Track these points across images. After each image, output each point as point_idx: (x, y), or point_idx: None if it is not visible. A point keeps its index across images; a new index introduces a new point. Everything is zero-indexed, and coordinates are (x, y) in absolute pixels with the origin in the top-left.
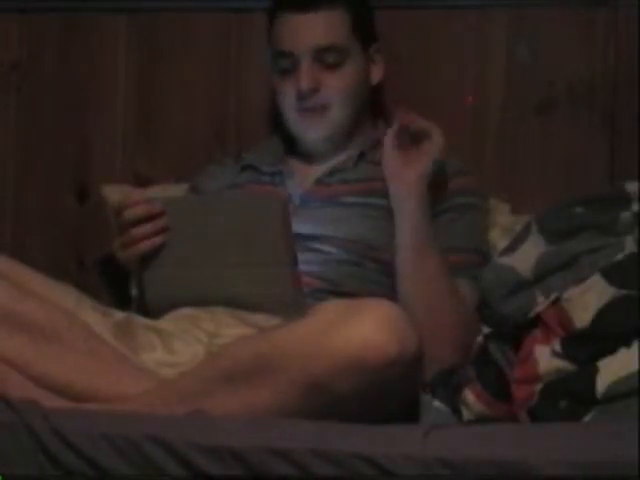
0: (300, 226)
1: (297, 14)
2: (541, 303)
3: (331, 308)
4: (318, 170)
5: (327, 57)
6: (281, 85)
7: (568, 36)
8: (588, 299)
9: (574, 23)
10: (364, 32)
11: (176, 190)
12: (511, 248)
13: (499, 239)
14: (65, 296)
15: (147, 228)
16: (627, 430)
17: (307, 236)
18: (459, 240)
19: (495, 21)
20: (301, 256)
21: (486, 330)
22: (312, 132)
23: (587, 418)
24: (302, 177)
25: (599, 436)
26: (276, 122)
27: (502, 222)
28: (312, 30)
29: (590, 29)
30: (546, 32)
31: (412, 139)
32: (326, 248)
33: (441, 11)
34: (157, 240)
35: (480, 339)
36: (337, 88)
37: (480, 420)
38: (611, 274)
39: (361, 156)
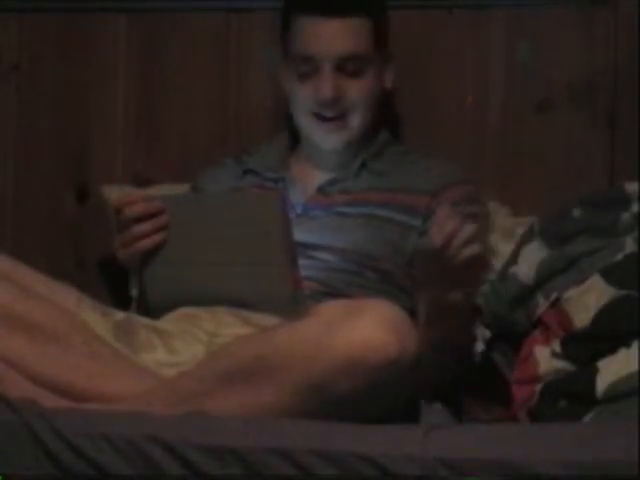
0: (301, 235)
1: (322, 19)
2: (542, 304)
3: (331, 308)
4: (320, 178)
5: (349, 65)
6: (298, 88)
7: (568, 36)
8: (588, 299)
9: (574, 23)
10: (382, 38)
11: (176, 190)
12: (515, 255)
13: (499, 242)
14: (66, 296)
15: (147, 226)
16: (627, 430)
17: (308, 245)
18: None
19: (495, 21)
20: (302, 263)
21: (488, 334)
22: (331, 141)
23: (587, 418)
24: (304, 185)
25: (599, 436)
26: (280, 123)
27: (502, 225)
28: (337, 37)
29: (590, 29)
30: (546, 32)
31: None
32: (326, 257)
33: (441, 11)
34: (157, 238)
35: (482, 345)
36: (358, 97)
37: (480, 420)
38: (611, 274)
39: (362, 166)
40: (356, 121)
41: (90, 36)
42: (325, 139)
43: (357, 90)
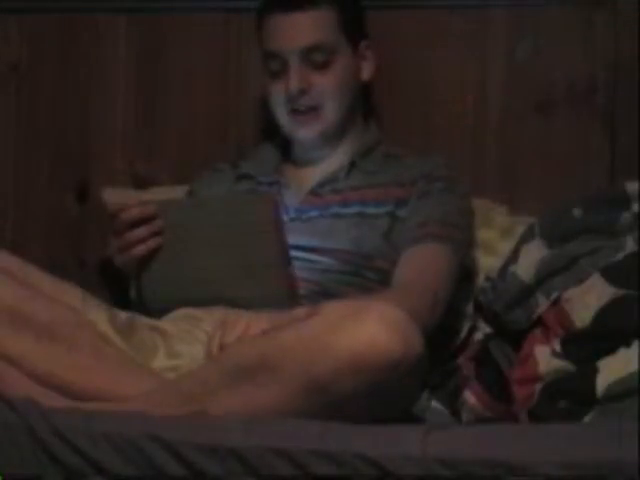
0: (297, 238)
1: (283, 15)
2: (542, 304)
3: (336, 309)
4: (312, 179)
5: (315, 56)
6: (271, 86)
7: (568, 36)
8: (588, 299)
9: (574, 23)
10: (352, 29)
11: (176, 192)
12: (515, 254)
13: (498, 241)
14: (71, 295)
15: (141, 231)
16: (627, 430)
17: (302, 247)
18: (432, 215)
19: (495, 21)
20: (298, 265)
21: (487, 330)
22: (304, 132)
23: (587, 418)
24: (297, 187)
25: (599, 436)
26: (272, 126)
27: (500, 223)
28: (299, 30)
29: (590, 29)
30: (546, 32)
31: None
32: (324, 259)
33: (441, 11)
34: (151, 244)
35: (481, 338)
36: (327, 88)
37: (480, 420)
38: (611, 274)
39: (353, 165)
40: (330, 113)
41: (90, 36)
42: (299, 131)
43: (326, 82)
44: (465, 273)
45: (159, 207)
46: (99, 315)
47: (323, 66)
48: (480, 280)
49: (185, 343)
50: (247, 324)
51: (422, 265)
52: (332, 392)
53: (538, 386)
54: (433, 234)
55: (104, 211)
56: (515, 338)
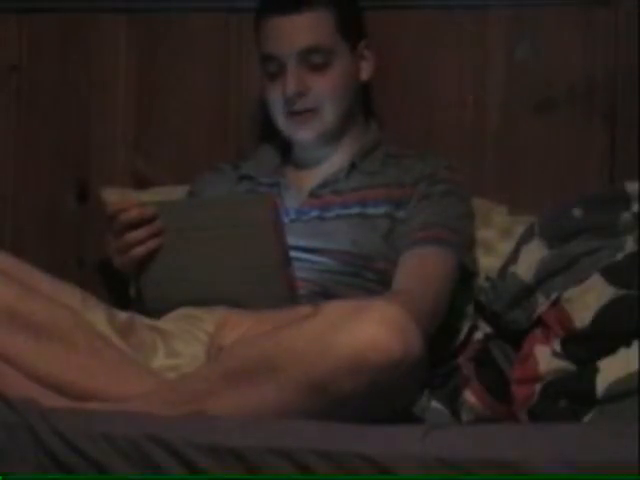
0: (297, 239)
1: (280, 17)
2: (542, 304)
3: (336, 308)
4: (312, 180)
5: (313, 58)
6: (269, 89)
7: (568, 36)
8: (588, 299)
9: (574, 23)
10: (350, 29)
11: (177, 192)
12: (515, 254)
13: (497, 241)
14: (70, 295)
15: (141, 233)
16: (627, 430)
17: (305, 248)
18: (432, 218)
19: (495, 21)
20: (298, 266)
21: (487, 330)
22: (302, 134)
23: (587, 418)
24: (297, 189)
25: (599, 436)
26: (272, 127)
27: (500, 223)
28: (296, 32)
29: (590, 29)
30: (546, 32)
31: None
32: (324, 260)
33: (441, 11)
34: (151, 245)
35: (481, 338)
36: (325, 89)
37: (480, 420)
38: (611, 274)
39: (353, 166)
40: (328, 114)
41: (90, 36)
42: (297, 133)
43: (324, 84)
44: (465, 273)
45: (159, 208)
46: (98, 315)
47: (321, 68)
48: (480, 280)
49: (185, 343)
50: (248, 325)
51: (423, 269)
52: (332, 392)
53: (538, 386)
54: (434, 237)
55: (104, 211)
56: (515, 338)
